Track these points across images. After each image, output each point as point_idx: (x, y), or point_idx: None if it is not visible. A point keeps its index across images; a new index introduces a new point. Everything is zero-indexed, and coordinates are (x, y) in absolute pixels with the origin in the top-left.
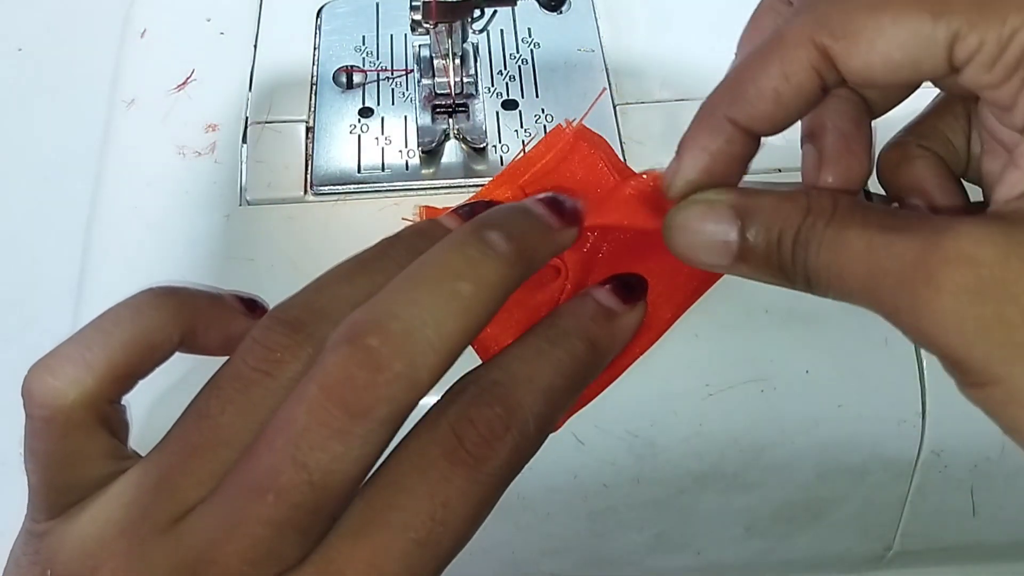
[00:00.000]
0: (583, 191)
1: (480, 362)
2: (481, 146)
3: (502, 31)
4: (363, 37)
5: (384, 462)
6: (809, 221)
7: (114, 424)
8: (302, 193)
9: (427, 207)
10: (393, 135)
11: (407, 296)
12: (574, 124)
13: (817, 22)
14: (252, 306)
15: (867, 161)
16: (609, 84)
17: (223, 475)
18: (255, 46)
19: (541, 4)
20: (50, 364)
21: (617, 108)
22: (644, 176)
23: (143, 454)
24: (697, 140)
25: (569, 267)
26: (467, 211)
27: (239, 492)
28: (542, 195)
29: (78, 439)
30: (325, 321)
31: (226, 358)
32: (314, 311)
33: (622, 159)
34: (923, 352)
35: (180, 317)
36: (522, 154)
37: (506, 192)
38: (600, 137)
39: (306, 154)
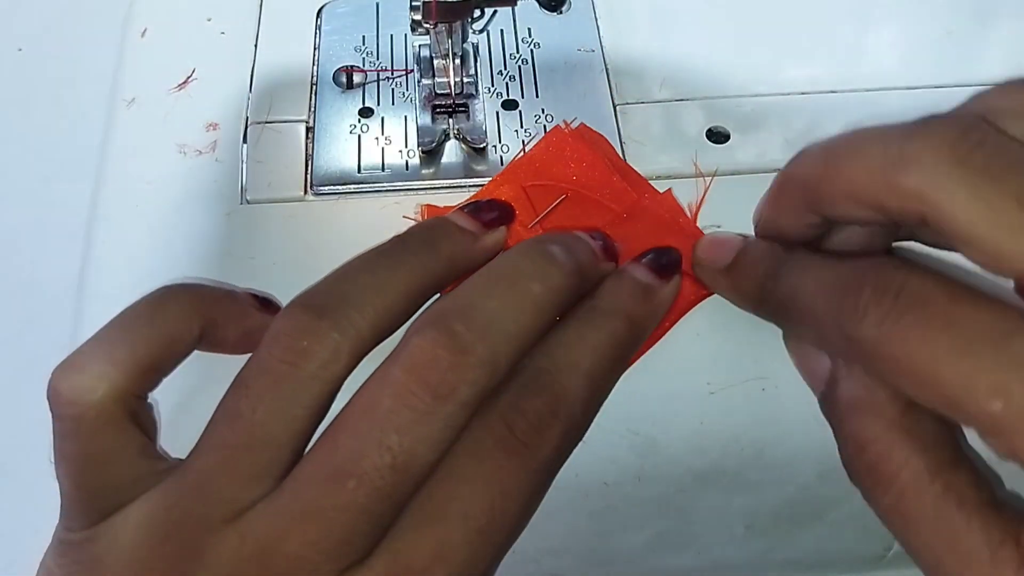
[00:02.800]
0: (584, 191)
1: None
2: (481, 146)
3: (502, 31)
4: (363, 37)
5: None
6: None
7: (143, 421)
8: (302, 193)
9: (429, 206)
10: (393, 135)
11: (487, 291)
12: (573, 125)
13: (938, 190)
14: (267, 304)
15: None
16: (609, 84)
17: (270, 475)
18: (255, 46)
19: (541, 4)
20: (75, 362)
21: (617, 108)
22: (658, 195)
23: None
24: (776, 207)
25: None
26: (475, 208)
27: (313, 482)
28: (587, 231)
29: (109, 436)
30: (349, 306)
31: (241, 355)
32: (337, 297)
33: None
34: None
35: (198, 312)
36: (522, 154)
37: (508, 191)
38: (600, 136)
39: (306, 154)
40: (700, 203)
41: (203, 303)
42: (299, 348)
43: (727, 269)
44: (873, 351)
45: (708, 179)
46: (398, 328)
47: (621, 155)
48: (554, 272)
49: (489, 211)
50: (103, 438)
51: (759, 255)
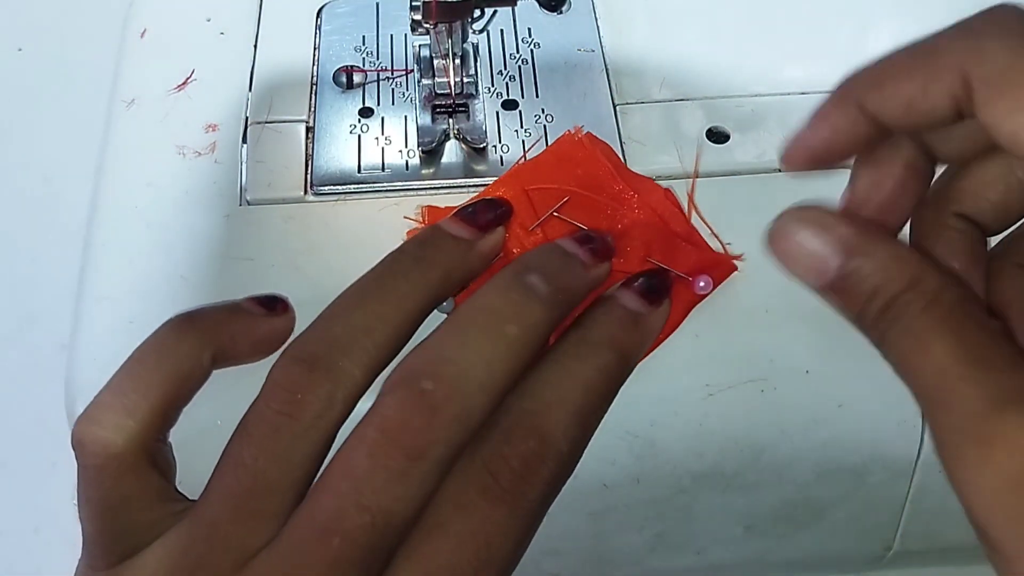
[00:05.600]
0: (586, 192)
1: None
2: (481, 146)
3: (502, 31)
4: (363, 37)
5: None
6: (907, 297)
7: (161, 464)
8: (302, 193)
9: (430, 207)
10: (393, 135)
11: (457, 340)
12: (583, 131)
13: (975, 54)
14: (271, 304)
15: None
16: (609, 84)
17: (274, 520)
18: (255, 46)
19: (541, 4)
20: (92, 416)
21: (617, 108)
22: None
23: (187, 494)
24: (827, 114)
25: None
26: (470, 212)
27: (304, 536)
28: (576, 234)
29: (129, 482)
30: (340, 353)
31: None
32: (328, 344)
33: (622, 159)
34: None
35: (204, 341)
36: (523, 159)
37: (509, 194)
38: (606, 144)
39: (306, 154)
40: (690, 204)
41: (208, 331)
42: (294, 401)
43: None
44: None
45: (692, 180)
46: (397, 354)
47: (621, 155)
48: (533, 308)
49: (485, 213)
50: (123, 485)
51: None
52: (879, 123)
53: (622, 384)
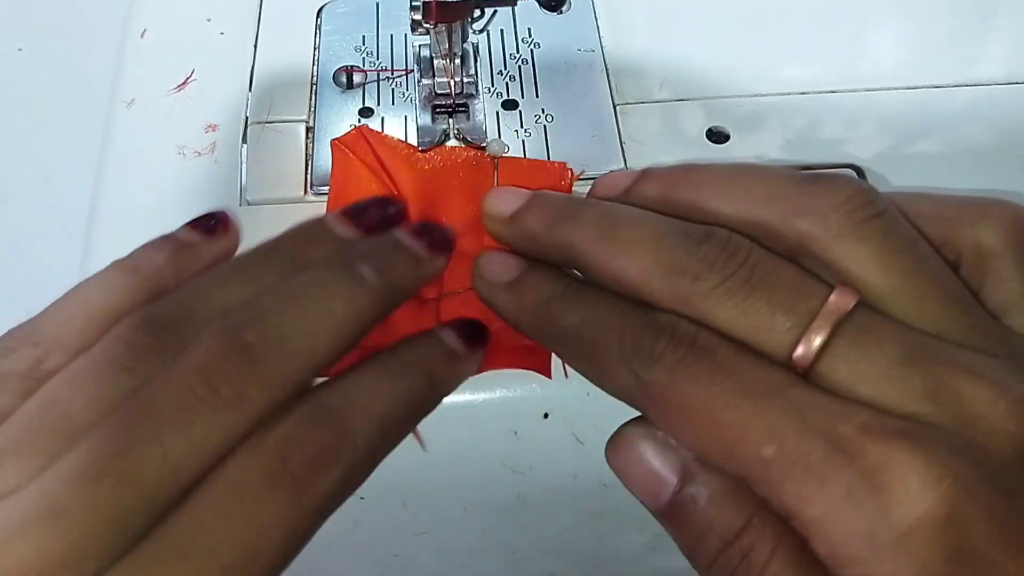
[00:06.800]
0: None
1: None
2: (481, 146)
3: (502, 31)
4: (363, 37)
5: (202, 482)
6: (740, 545)
7: None
8: (302, 193)
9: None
10: (393, 135)
11: (284, 305)
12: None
13: None
14: (210, 226)
15: None
16: (609, 84)
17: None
18: (255, 46)
19: (541, 4)
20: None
21: (617, 108)
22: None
23: None
24: None
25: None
26: (355, 212)
27: (69, 475)
28: (413, 225)
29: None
30: (191, 324)
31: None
32: (182, 312)
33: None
34: None
35: (146, 289)
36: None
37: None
38: (368, 136)
39: (306, 154)
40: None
41: (150, 279)
42: (133, 356)
43: (509, 285)
44: (662, 395)
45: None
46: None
47: (621, 155)
48: (361, 294)
49: (376, 211)
50: None
51: (547, 276)
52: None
53: (428, 411)
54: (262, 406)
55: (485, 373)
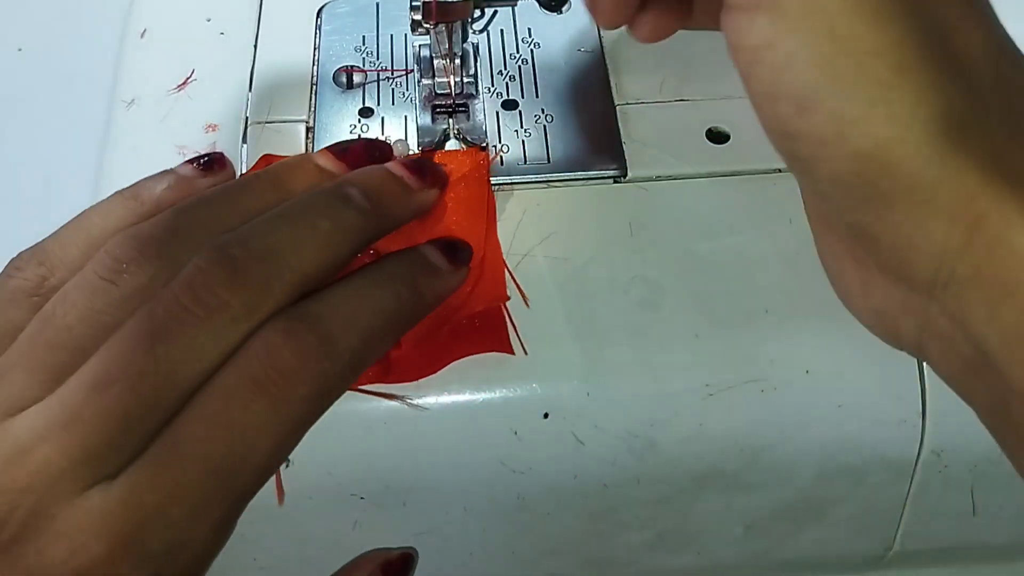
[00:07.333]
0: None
1: None
2: (481, 146)
3: (502, 31)
4: (363, 37)
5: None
6: None
7: None
8: None
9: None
10: (393, 135)
11: (271, 225)
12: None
13: None
14: (207, 164)
15: None
16: (609, 84)
17: (57, 376)
18: (255, 46)
19: (541, 4)
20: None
21: (617, 108)
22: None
23: None
24: None
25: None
26: (339, 149)
27: (81, 386)
28: (407, 158)
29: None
30: (176, 241)
31: None
32: (168, 230)
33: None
34: None
35: (141, 217)
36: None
37: None
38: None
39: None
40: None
41: (153, 208)
42: (119, 269)
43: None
44: None
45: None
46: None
47: (622, 155)
48: (348, 212)
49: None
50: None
51: None
52: None
53: (410, 324)
54: (247, 314)
55: (485, 373)
